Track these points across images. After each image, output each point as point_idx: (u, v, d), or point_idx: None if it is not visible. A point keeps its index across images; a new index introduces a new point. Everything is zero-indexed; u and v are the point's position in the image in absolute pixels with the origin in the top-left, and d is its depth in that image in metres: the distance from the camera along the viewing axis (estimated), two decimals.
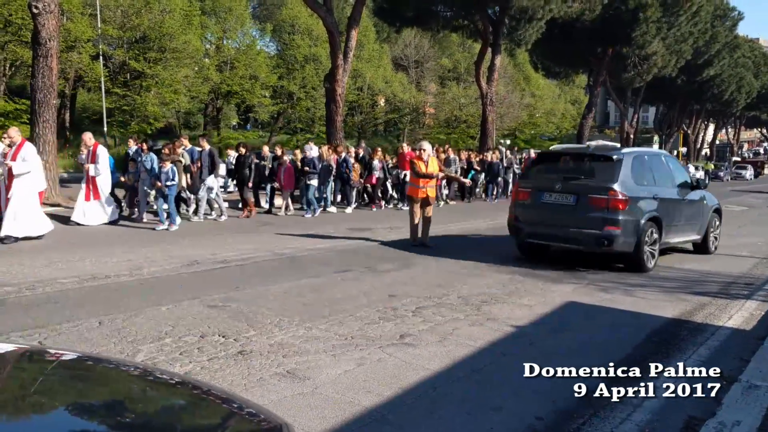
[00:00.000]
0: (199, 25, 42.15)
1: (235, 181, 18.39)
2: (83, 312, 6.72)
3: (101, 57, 34.18)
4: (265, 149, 19.39)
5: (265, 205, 18.23)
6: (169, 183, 13.57)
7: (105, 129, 31.44)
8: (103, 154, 13.90)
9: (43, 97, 15.37)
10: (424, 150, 12.22)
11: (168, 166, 13.70)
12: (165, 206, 13.67)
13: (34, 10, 15.00)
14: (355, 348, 5.83)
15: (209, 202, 15.59)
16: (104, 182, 13.88)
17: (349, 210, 18.70)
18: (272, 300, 7.57)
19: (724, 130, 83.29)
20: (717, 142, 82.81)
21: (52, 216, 13.26)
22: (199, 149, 15.64)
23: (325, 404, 4.54)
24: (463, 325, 6.73)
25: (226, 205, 16.16)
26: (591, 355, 5.86)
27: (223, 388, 3.26)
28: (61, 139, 25.66)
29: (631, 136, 50.93)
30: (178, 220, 13.92)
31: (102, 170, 13.75)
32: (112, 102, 35.54)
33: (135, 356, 5.37)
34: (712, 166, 51.25)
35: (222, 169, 15.92)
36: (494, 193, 25.07)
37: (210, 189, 15.39)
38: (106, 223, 13.82)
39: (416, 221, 12.14)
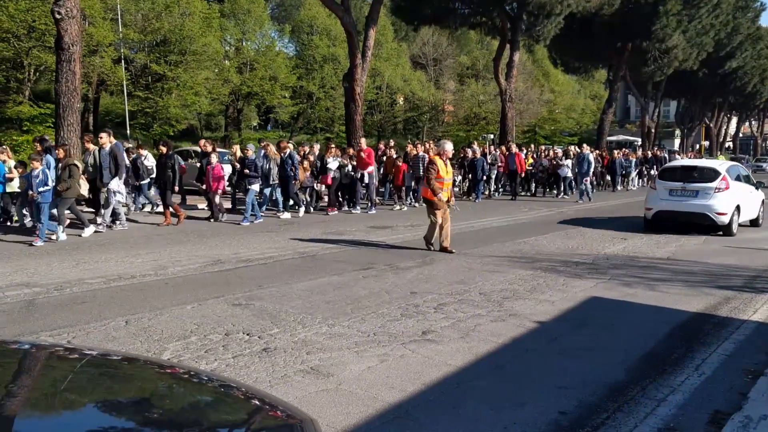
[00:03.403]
0: (218, 27, 42.36)
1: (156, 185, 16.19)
2: (110, 311, 6.83)
3: (123, 60, 34.46)
4: (202, 142, 17.84)
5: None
6: (41, 189, 11.67)
7: (128, 132, 31.70)
8: None
9: (67, 101, 15.55)
10: (447, 151, 11.41)
11: (39, 168, 11.81)
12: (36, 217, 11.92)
13: (57, 16, 15.21)
14: (377, 345, 5.86)
15: (114, 209, 13.67)
16: None
17: (287, 215, 16.45)
18: (295, 298, 7.62)
19: (747, 123, 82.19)
20: (740, 135, 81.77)
21: None
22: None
23: (349, 400, 4.57)
24: (485, 321, 6.74)
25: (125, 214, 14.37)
26: (614, 351, 5.85)
27: (249, 385, 3.30)
28: None
29: (653, 130, 50.42)
30: (47, 235, 11.88)
31: None
32: (135, 105, 35.83)
33: (161, 354, 5.45)
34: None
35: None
36: (483, 192, 23.17)
37: (115, 193, 13.46)
38: None
39: (443, 226, 11.20)
